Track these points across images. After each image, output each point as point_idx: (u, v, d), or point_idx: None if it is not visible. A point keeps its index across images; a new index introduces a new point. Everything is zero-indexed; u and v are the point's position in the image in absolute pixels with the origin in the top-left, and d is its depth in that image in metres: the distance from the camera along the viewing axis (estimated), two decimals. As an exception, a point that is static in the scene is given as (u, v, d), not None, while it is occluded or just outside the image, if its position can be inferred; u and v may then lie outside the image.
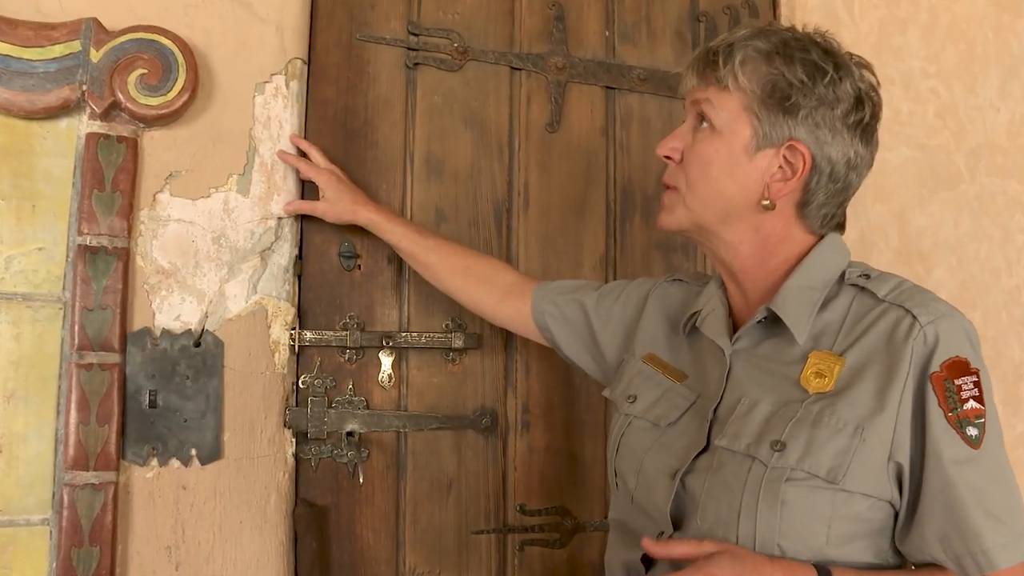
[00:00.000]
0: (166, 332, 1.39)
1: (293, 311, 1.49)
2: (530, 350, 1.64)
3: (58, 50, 1.32)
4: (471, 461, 1.61)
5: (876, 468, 0.99)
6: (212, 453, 1.40)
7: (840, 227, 1.17)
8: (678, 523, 1.09)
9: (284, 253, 1.48)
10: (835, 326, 1.08)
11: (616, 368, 1.35)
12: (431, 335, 1.58)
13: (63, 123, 1.35)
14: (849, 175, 1.11)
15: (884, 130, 1.16)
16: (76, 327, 1.32)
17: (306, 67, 1.54)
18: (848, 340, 1.05)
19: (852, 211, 1.21)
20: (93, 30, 1.34)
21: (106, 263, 1.34)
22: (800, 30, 1.13)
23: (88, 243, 1.33)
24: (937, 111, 1.99)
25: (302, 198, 1.51)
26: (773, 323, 1.11)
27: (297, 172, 1.50)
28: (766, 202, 1.10)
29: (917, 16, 1.99)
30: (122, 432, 1.34)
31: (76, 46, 1.33)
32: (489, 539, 1.60)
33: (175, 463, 1.38)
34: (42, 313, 1.32)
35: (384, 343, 1.54)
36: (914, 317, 1.01)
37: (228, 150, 1.45)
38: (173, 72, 1.37)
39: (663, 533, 1.10)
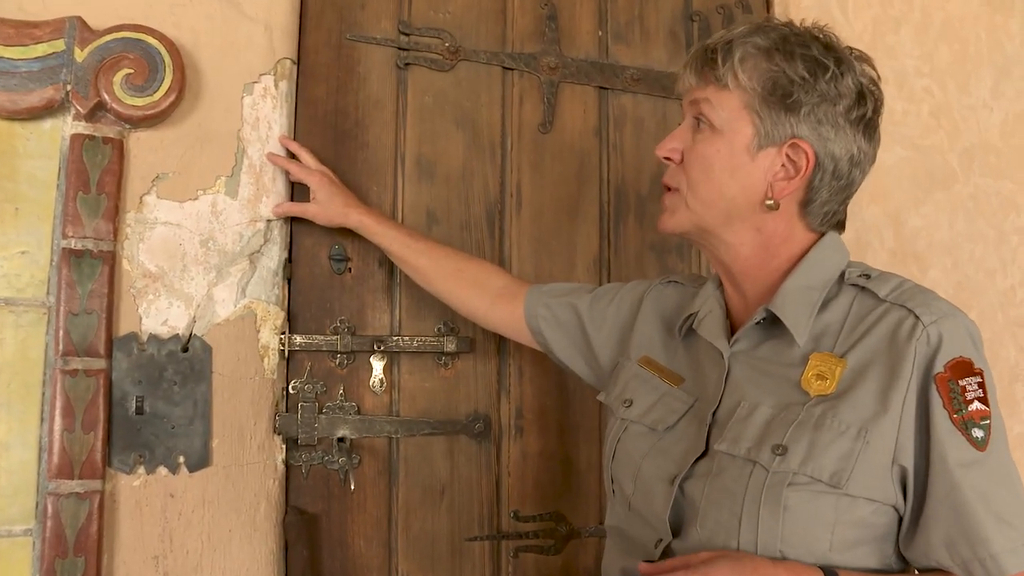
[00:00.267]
0: (153, 337, 1.36)
1: (283, 315, 1.47)
2: (523, 354, 1.63)
3: (41, 49, 1.30)
4: (464, 467, 1.58)
5: (879, 472, 0.98)
6: (200, 460, 1.37)
7: (840, 225, 1.16)
8: (677, 530, 1.07)
9: (273, 256, 1.46)
10: (836, 327, 1.06)
11: (610, 372, 1.33)
12: (423, 339, 1.56)
13: (47, 124, 1.33)
14: (852, 172, 1.10)
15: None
16: (61, 332, 1.29)
17: (295, 67, 1.52)
18: (849, 341, 1.04)
19: (847, 212, 1.19)
20: (77, 29, 1.32)
21: (91, 267, 1.32)
22: (799, 25, 1.11)
23: (73, 246, 1.31)
24: (931, 110, 1.98)
25: (292, 200, 1.49)
26: (772, 324, 1.10)
27: (286, 174, 1.48)
28: (770, 202, 1.08)
29: (910, 15, 1.99)
30: (108, 439, 1.32)
31: (60, 45, 1.31)
32: (483, 546, 1.58)
33: (162, 471, 1.35)
34: (25, 318, 1.30)
35: (375, 347, 1.52)
36: (916, 317, 1.00)
37: (216, 151, 1.43)
38: (159, 72, 1.35)
39: (661, 540, 1.08)
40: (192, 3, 1.42)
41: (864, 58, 1.11)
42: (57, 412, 1.28)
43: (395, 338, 1.54)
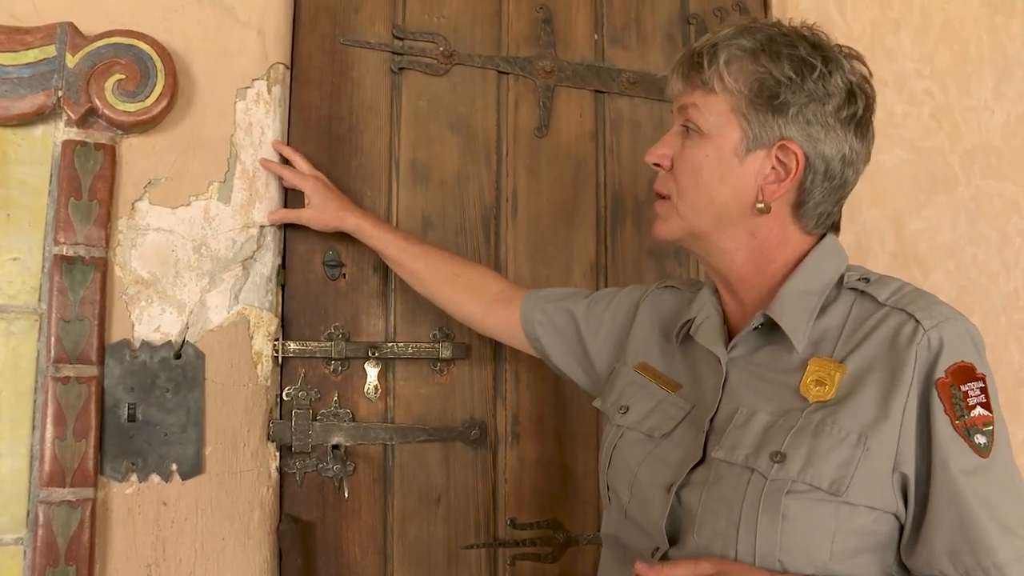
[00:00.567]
0: (145, 344, 1.35)
1: (276, 321, 1.45)
2: (520, 360, 1.61)
3: (32, 55, 1.30)
4: (460, 474, 1.57)
5: (880, 479, 0.96)
6: (193, 468, 1.36)
7: (836, 226, 1.14)
8: (674, 538, 1.06)
9: (267, 262, 1.45)
10: (835, 332, 1.05)
11: (607, 378, 1.31)
12: (418, 345, 1.54)
13: (38, 130, 1.32)
14: (845, 172, 1.08)
15: (878, 132, 1.14)
16: (52, 339, 1.28)
17: (289, 72, 1.51)
18: (849, 346, 1.03)
19: (847, 215, 1.18)
20: (69, 34, 1.31)
21: (83, 273, 1.31)
22: (787, 24, 1.10)
23: (65, 253, 1.30)
24: (931, 112, 1.97)
25: (285, 206, 1.48)
26: (770, 329, 1.08)
27: (280, 179, 1.47)
28: (760, 205, 1.07)
29: (910, 17, 1.98)
30: (100, 447, 1.31)
31: (51, 51, 1.30)
32: (479, 554, 1.57)
33: (155, 478, 1.34)
34: (17, 325, 1.28)
35: (370, 354, 1.51)
36: (917, 321, 0.98)
37: (208, 157, 1.42)
38: (151, 78, 1.34)
39: (658, 549, 1.06)
40: (184, 8, 1.41)
41: (854, 55, 1.10)
42: (49, 420, 1.26)
43: (390, 344, 1.53)
